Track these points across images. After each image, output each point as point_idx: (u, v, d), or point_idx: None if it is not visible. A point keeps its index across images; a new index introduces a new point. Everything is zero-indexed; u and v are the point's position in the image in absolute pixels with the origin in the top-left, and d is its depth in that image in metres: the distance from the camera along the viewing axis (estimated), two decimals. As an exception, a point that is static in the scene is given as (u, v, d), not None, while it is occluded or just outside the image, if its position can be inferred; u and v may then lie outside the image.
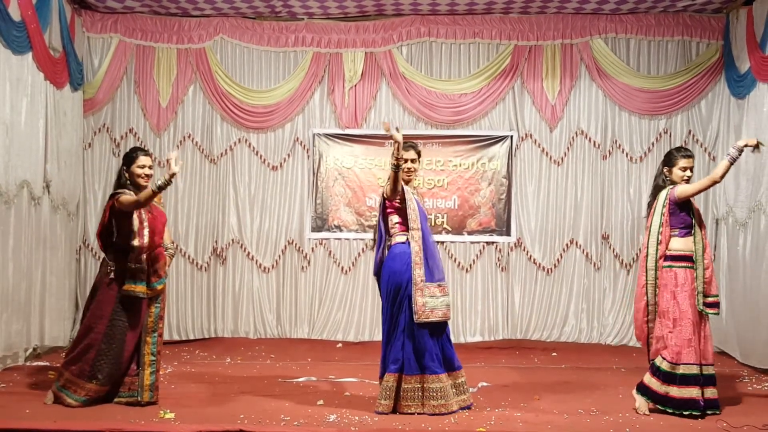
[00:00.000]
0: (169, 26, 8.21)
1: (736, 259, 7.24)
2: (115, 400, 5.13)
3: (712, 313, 5.06)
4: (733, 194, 7.38)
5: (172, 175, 4.92)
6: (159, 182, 4.95)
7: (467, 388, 5.20)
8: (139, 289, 5.08)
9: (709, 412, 4.96)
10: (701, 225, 5.17)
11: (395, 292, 5.03)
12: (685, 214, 5.13)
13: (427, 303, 4.98)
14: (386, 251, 5.15)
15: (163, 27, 8.21)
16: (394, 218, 5.14)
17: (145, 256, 5.11)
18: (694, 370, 4.97)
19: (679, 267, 5.10)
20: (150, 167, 5.22)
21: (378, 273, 5.21)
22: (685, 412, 4.94)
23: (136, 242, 5.08)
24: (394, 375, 4.99)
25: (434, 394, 4.97)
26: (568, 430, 4.70)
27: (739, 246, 7.16)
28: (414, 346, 4.99)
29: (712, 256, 5.20)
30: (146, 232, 5.11)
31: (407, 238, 5.07)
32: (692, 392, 4.95)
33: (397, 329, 5.02)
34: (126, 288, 5.06)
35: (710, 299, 5.07)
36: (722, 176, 5.03)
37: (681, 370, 4.98)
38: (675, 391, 4.97)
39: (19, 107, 6.54)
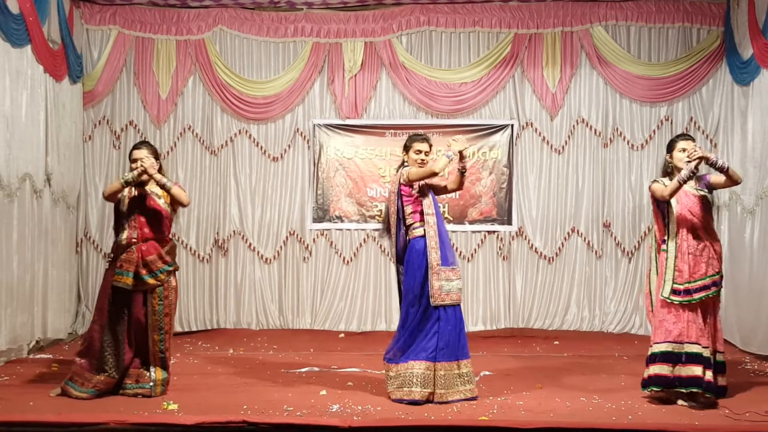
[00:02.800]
0: (168, 17, 8.19)
1: (742, 246, 7.17)
2: (121, 391, 5.16)
3: (677, 300, 5.02)
4: None
5: (140, 174, 5.06)
6: (127, 176, 5.10)
7: (472, 377, 5.21)
8: (125, 280, 5.09)
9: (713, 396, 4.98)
10: (690, 211, 5.13)
11: (422, 284, 5.09)
12: (665, 203, 5.18)
13: (443, 286, 5.06)
14: (407, 243, 5.19)
15: (162, 18, 8.18)
16: (409, 208, 5.21)
17: (135, 249, 5.12)
18: (664, 348, 5.02)
19: (663, 251, 5.20)
20: (143, 159, 5.18)
21: (400, 262, 5.28)
22: (655, 388, 5.03)
23: (123, 234, 5.14)
24: (428, 362, 5.00)
25: (466, 379, 5.06)
26: (570, 418, 4.70)
27: (746, 233, 7.11)
28: (447, 332, 5.03)
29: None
30: (135, 224, 5.14)
31: (424, 230, 5.13)
32: (663, 369, 5.00)
33: (430, 319, 5.06)
34: (115, 279, 5.10)
35: (681, 287, 5.03)
36: (670, 192, 5.06)
37: (657, 348, 5.07)
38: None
39: (19, 100, 6.53)
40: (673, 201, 5.13)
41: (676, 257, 5.08)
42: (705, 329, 5.05)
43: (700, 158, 4.94)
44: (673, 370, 5.01)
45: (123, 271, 5.10)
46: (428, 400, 5.00)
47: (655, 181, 5.28)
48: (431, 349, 5.02)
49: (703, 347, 5.01)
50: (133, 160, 5.19)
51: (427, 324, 5.08)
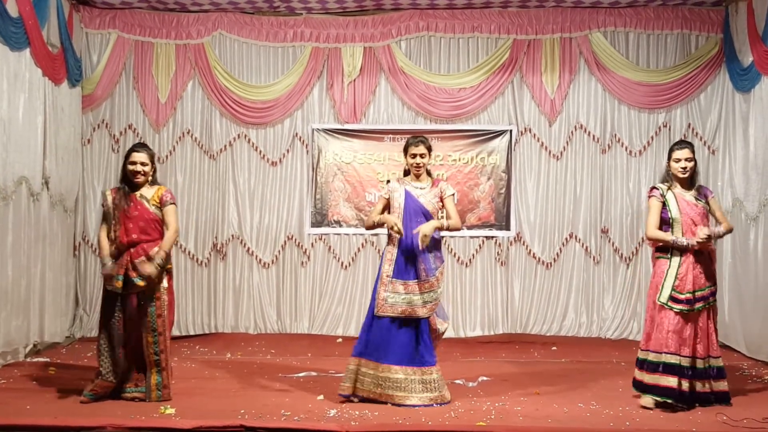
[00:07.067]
0: (168, 22, 8.20)
1: (747, 253, 7.16)
2: (122, 395, 5.18)
3: (676, 309, 5.03)
4: (743, 188, 7.30)
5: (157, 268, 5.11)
6: (159, 263, 5.11)
7: (438, 386, 5.16)
8: (116, 284, 5.08)
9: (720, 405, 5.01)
10: (692, 221, 5.15)
11: (376, 290, 5.30)
12: (664, 210, 5.20)
13: (387, 298, 5.18)
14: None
15: (161, 22, 8.19)
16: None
17: (125, 252, 5.12)
18: (668, 359, 5.02)
19: (660, 258, 5.22)
20: (143, 163, 5.21)
21: None
22: (659, 398, 5.02)
23: (111, 237, 5.19)
24: (356, 359, 5.19)
25: (391, 384, 5.08)
26: (568, 424, 4.71)
27: (750, 240, 7.09)
28: (377, 334, 5.15)
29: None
30: (120, 228, 5.14)
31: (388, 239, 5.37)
32: (669, 381, 5.00)
33: (368, 316, 5.26)
34: (106, 283, 5.13)
35: (682, 296, 5.04)
36: (674, 245, 5.10)
37: (651, 357, 5.10)
38: (647, 378, 5.10)
39: (16, 103, 6.53)
40: (675, 210, 5.14)
41: (680, 265, 5.08)
42: (691, 339, 5.05)
43: (708, 237, 5.03)
44: (649, 378, 5.10)
45: (113, 275, 5.09)
46: (353, 395, 5.18)
47: (654, 189, 5.28)
48: (361, 344, 5.22)
49: (682, 357, 5.03)
50: (131, 162, 5.20)
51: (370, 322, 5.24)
